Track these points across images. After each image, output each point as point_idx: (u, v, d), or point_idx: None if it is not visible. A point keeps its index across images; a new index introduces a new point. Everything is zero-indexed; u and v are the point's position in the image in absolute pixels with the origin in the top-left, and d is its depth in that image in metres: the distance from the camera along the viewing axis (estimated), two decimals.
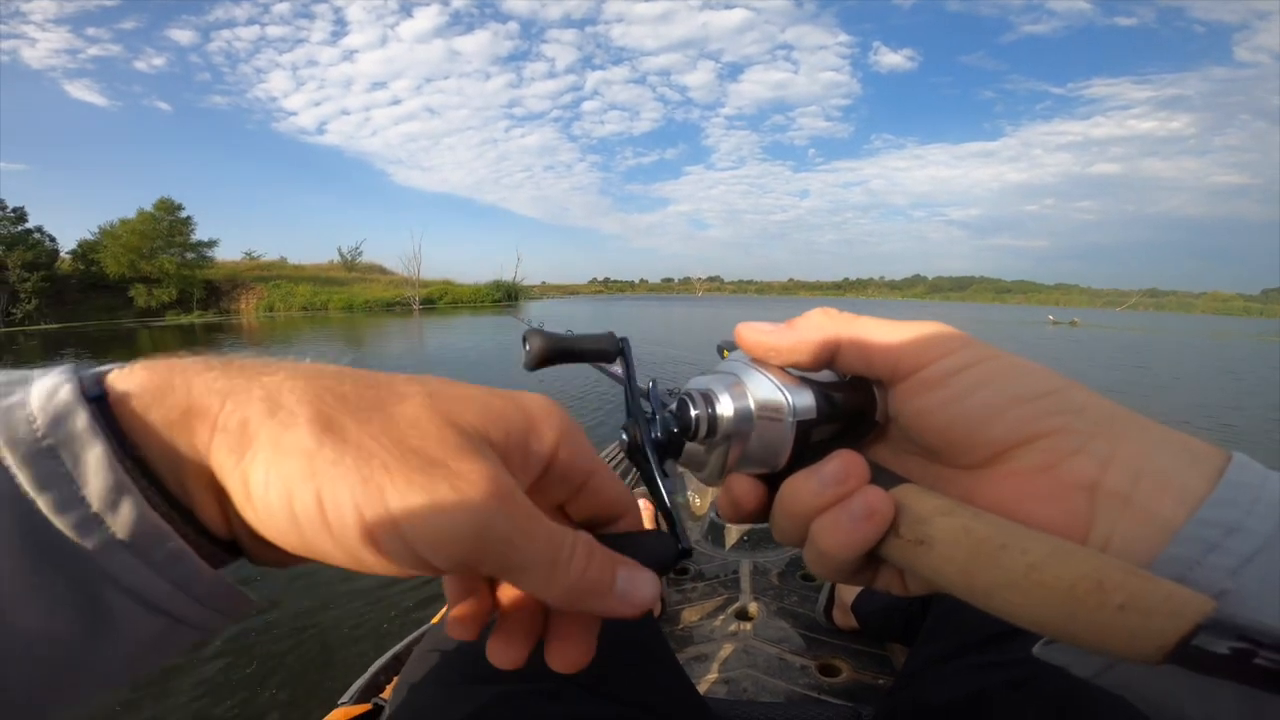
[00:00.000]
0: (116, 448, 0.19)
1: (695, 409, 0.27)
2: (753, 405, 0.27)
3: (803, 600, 1.34)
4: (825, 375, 0.27)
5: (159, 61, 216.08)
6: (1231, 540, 0.19)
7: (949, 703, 0.53)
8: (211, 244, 34.38)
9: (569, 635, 0.25)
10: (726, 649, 1.19)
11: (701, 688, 1.07)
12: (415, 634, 1.02)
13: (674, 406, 0.28)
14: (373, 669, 0.90)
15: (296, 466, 0.19)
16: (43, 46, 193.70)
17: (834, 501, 0.23)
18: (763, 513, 0.27)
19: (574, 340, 0.33)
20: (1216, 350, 17.99)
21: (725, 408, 0.27)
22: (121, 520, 0.18)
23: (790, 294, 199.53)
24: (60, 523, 0.17)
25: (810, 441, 0.26)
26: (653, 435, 0.28)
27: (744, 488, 0.27)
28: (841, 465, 0.23)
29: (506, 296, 47.75)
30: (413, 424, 0.21)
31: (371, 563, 0.19)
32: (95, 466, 0.18)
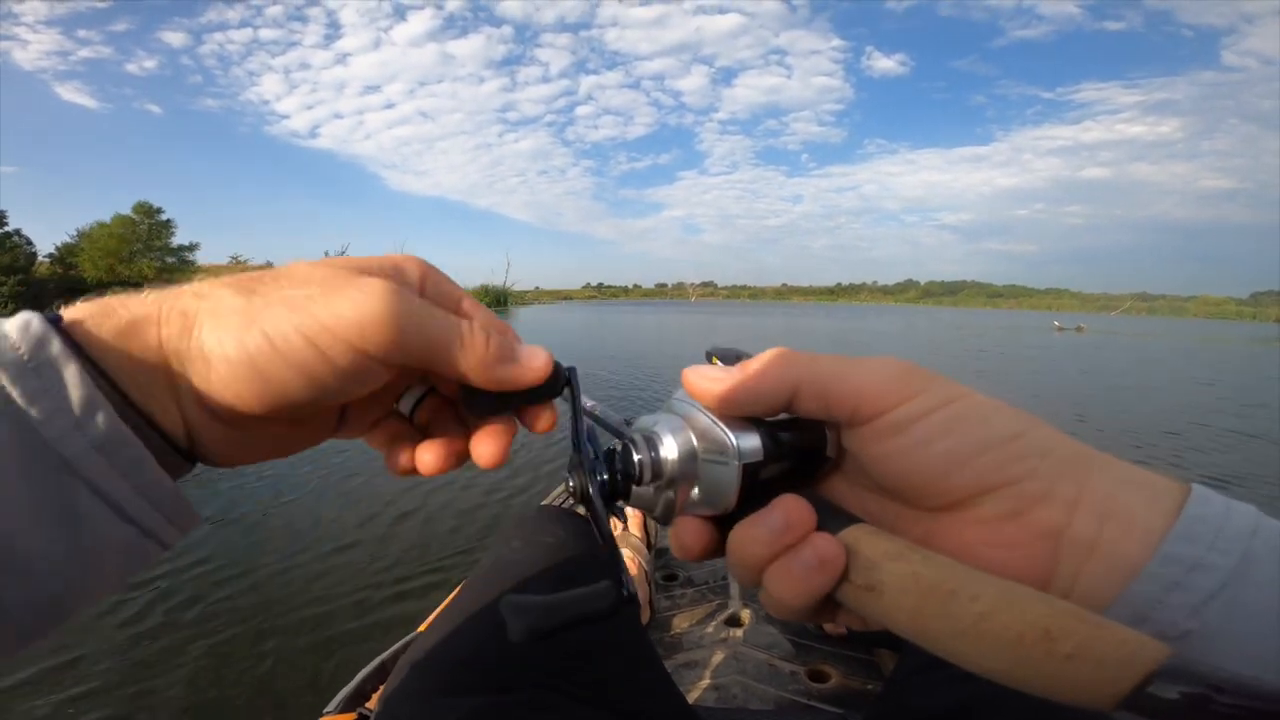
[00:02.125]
0: (86, 364, 0.21)
1: (639, 453, 0.27)
2: (697, 448, 0.26)
3: None
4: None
5: (150, 64, 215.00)
6: (1193, 577, 0.19)
7: (937, 710, 0.53)
8: (192, 248, 33.88)
9: (488, 434, 0.27)
10: (716, 656, 1.20)
11: (691, 695, 1.08)
12: (401, 642, 0.98)
13: (619, 450, 0.28)
14: (359, 677, 0.89)
15: (236, 320, 0.22)
16: (34, 48, 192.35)
17: (783, 550, 0.23)
18: (715, 553, 0.27)
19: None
20: (1234, 356, 17.50)
21: (669, 451, 0.26)
22: (97, 428, 0.21)
23: (784, 299, 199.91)
24: (48, 431, 0.20)
25: (760, 480, 0.25)
26: (599, 478, 0.27)
27: (692, 530, 0.27)
28: (785, 514, 0.23)
29: (495, 302, 46.95)
30: (311, 270, 0.24)
31: (326, 375, 0.22)
32: (73, 382, 0.20)
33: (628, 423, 0.33)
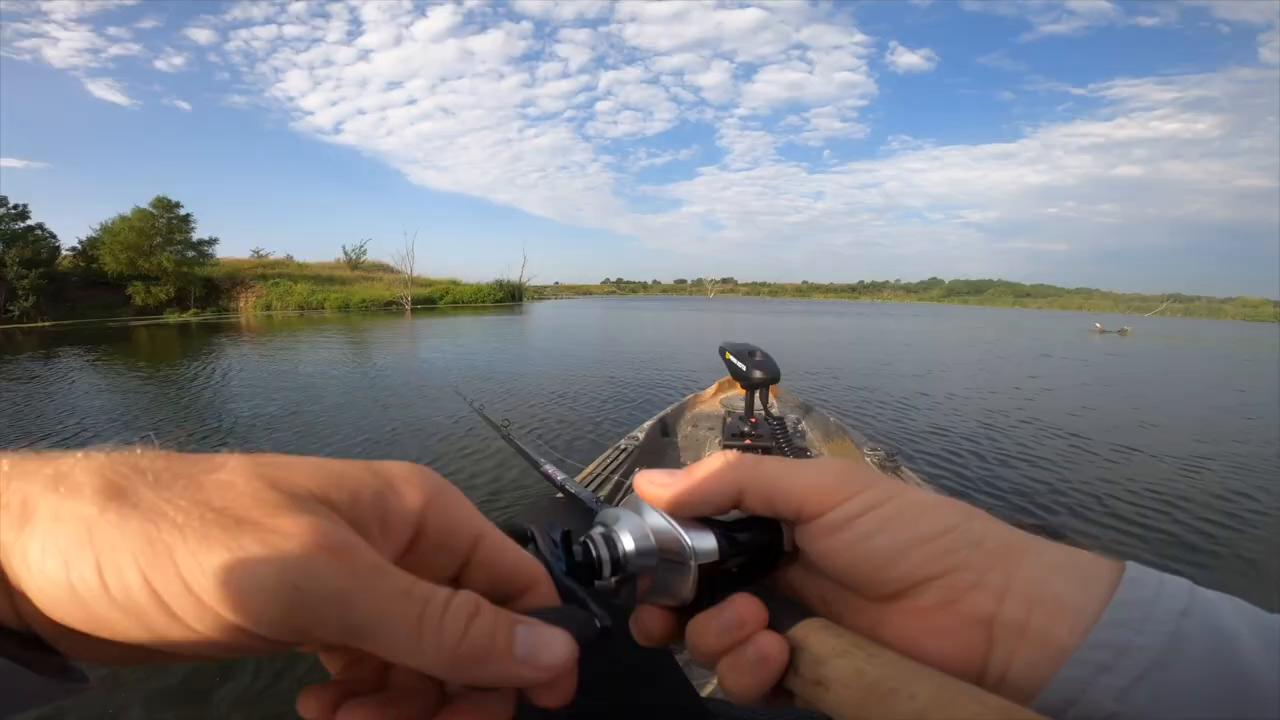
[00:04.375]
0: None
1: (598, 550, 0.27)
2: (655, 547, 0.27)
3: None
4: (731, 512, 0.28)
5: (178, 61, 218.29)
6: (1122, 661, 0.20)
7: None
8: (211, 242, 33.76)
9: (472, 713, 0.22)
10: None
11: (704, 689, 1.07)
12: None
13: (579, 550, 0.28)
14: None
15: (73, 534, 0.17)
16: (65, 45, 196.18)
17: (732, 646, 0.24)
18: (674, 639, 0.28)
19: None
20: None
21: (628, 546, 0.27)
22: None
23: (804, 296, 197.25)
24: None
25: (717, 576, 0.26)
26: (561, 571, 0.27)
27: (653, 619, 0.28)
28: (738, 612, 0.24)
29: (510, 296, 46.74)
30: (223, 487, 0.19)
31: (179, 638, 0.18)
32: None
33: (596, 503, 0.32)
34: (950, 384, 8.44)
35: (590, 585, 0.28)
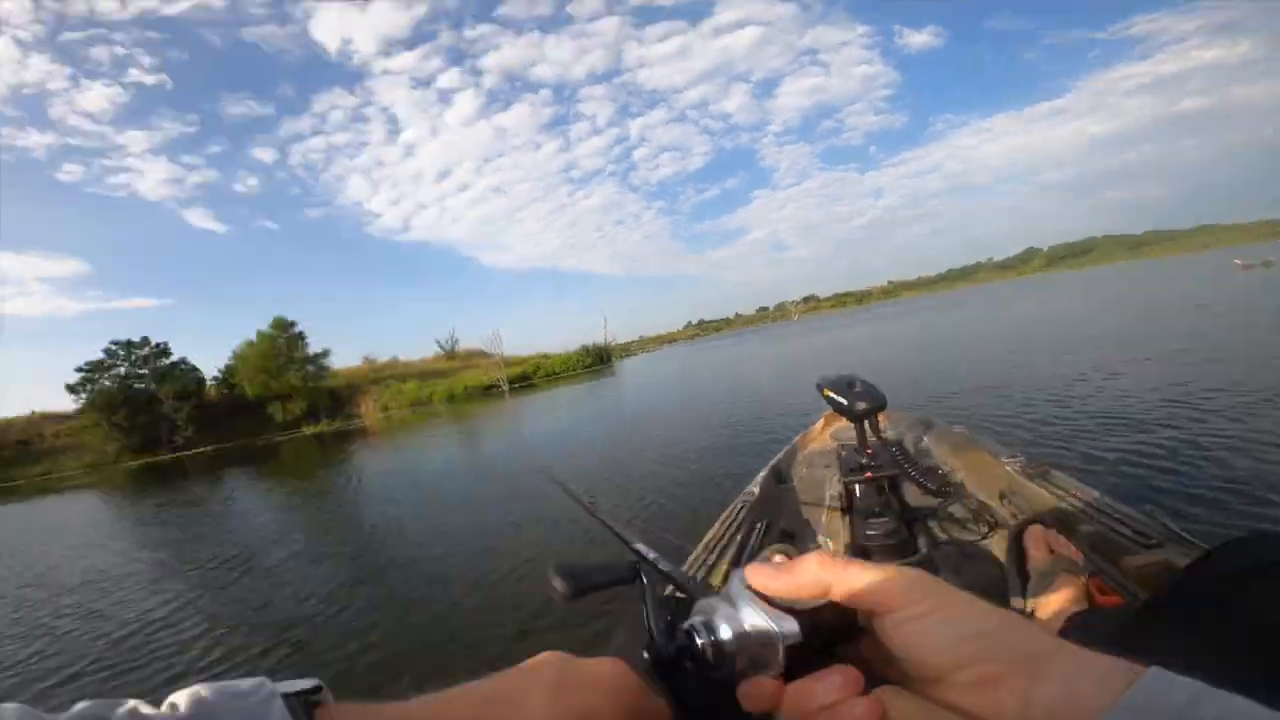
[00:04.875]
0: None
1: (700, 638, 0.33)
2: (749, 632, 0.32)
3: None
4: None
5: (253, 182, 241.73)
6: None
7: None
8: (324, 354, 37.00)
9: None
10: None
11: None
12: None
13: (683, 637, 0.34)
14: None
15: None
16: (150, 177, 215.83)
17: (832, 708, 0.28)
18: (777, 706, 0.32)
19: (593, 572, 0.47)
20: None
21: (725, 635, 0.32)
22: None
23: (893, 296, 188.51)
24: None
25: (801, 652, 0.31)
26: (668, 654, 0.35)
27: (757, 689, 0.32)
28: (838, 680, 0.29)
29: (597, 360, 47.56)
30: None
31: None
32: None
33: (691, 582, 0.45)
34: (1101, 368, 6.89)
35: (688, 667, 0.34)
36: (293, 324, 35.19)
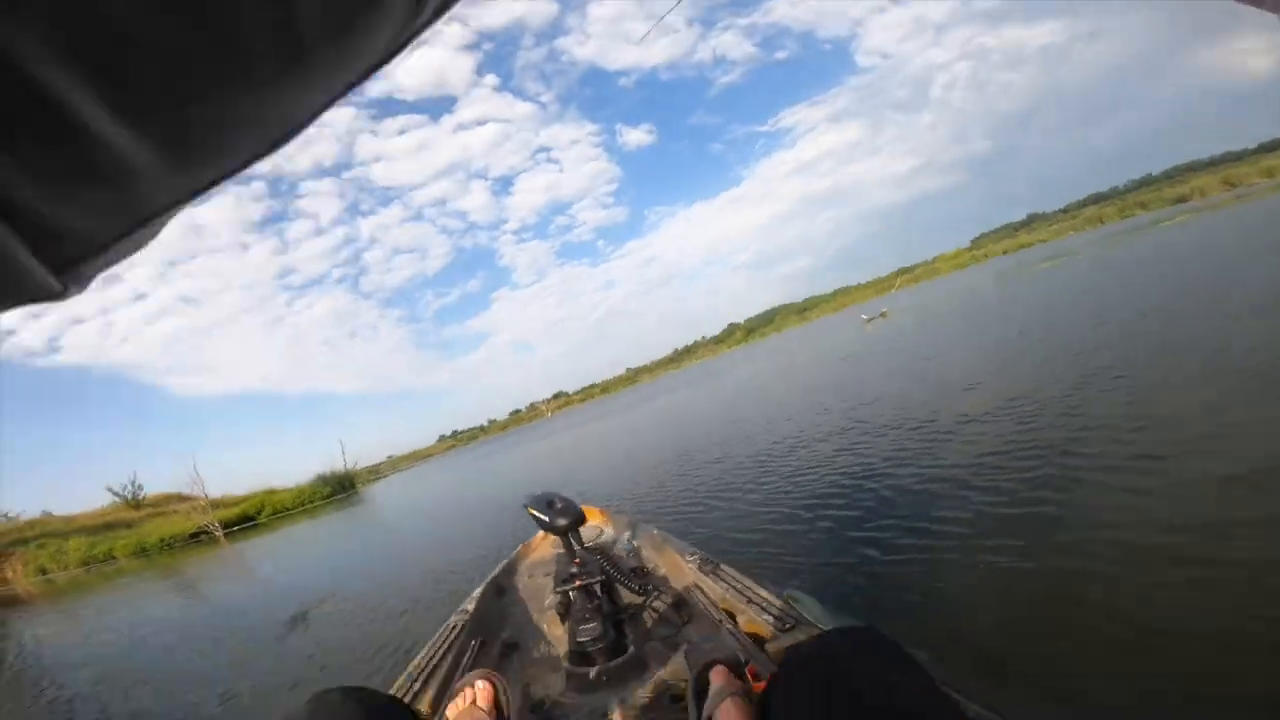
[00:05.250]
0: None
1: None
2: None
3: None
4: None
5: None
6: None
7: None
8: None
9: None
10: None
11: None
12: None
13: None
14: None
15: None
16: None
17: None
18: None
19: None
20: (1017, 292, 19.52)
21: None
22: None
23: (633, 382, 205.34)
24: None
25: None
26: None
27: None
28: None
29: (340, 487, 42.57)
30: None
31: None
32: None
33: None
34: (759, 444, 6.92)
35: None
36: None
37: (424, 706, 1.54)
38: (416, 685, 1.65)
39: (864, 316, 32.04)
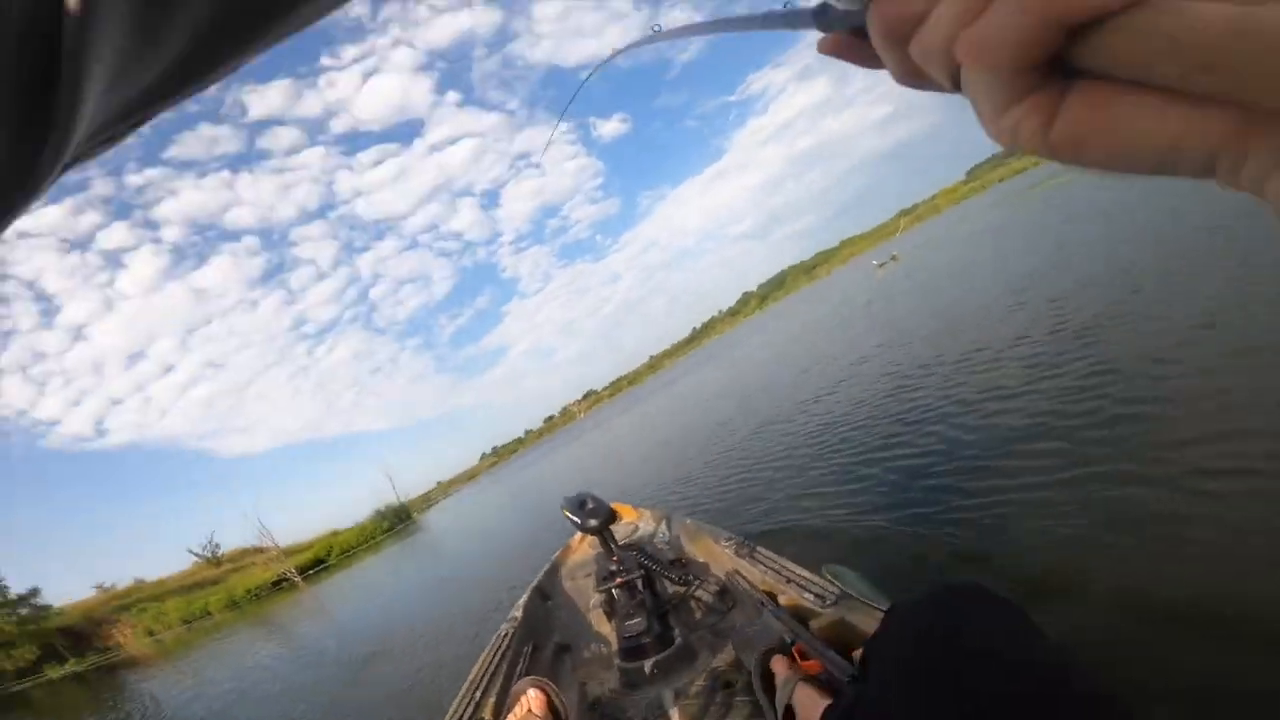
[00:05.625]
0: None
1: None
2: None
3: (736, 710, 1.36)
4: None
5: None
6: None
7: None
8: (34, 594, 32.15)
9: None
10: None
11: None
12: None
13: None
14: None
15: None
16: None
17: None
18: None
19: None
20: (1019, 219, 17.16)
21: None
22: None
23: (657, 369, 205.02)
24: None
25: None
26: None
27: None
28: None
29: (397, 519, 44.78)
30: None
31: None
32: None
33: None
34: (784, 419, 6.40)
35: None
36: None
37: (486, 714, 1.58)
38: (477, 694, 1.68)
39: (875, 263, 31.31)
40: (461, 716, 1.58)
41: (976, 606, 0.60)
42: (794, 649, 1.25)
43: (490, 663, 1.87)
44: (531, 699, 1.39)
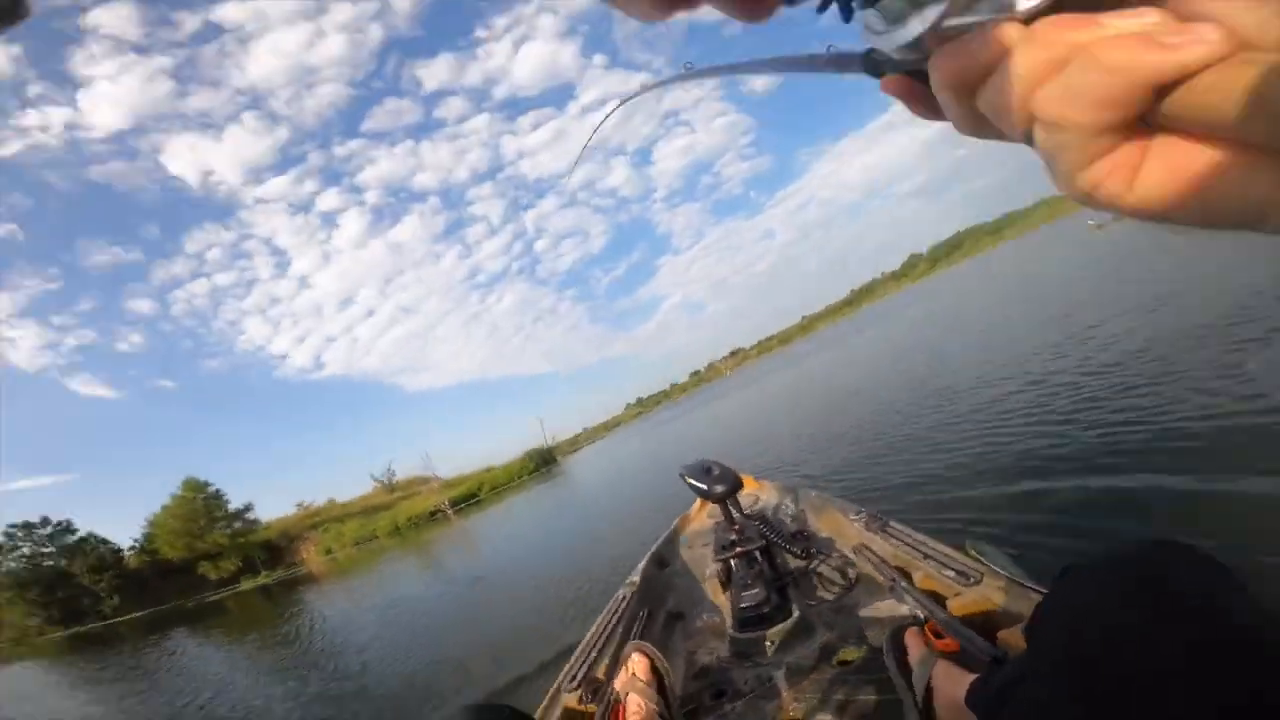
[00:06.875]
0: None
1: None
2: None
3: (851, 688, 1.31)
4: None
5: (137, 339, 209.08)
6: None
7: None
8: (248, 509, 36.09)
9: None
10: None
11: None
12: None
13: None
14: None
15: None
16: (24, 345, 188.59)
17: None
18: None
19: None
20: None
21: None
22: None
23: (808, 331, 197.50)
24: None
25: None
26: None
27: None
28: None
29: (543, 462, 47.47)
30: None
31: None
32: None
33: None
34: (983, 382, 5.64)
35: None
36: (206, 485, 33.73)
37: (599, 673, 1.62)
38: (592, 654, 1.73)
39: (1091, 222, 27.28)
40: (575, 675, 1.60)
41: (1184, 564, 0.51)
42: (926, 627, 1.21)
43: (607, 625, 1.91)
44: (635, 663, 1.41)
